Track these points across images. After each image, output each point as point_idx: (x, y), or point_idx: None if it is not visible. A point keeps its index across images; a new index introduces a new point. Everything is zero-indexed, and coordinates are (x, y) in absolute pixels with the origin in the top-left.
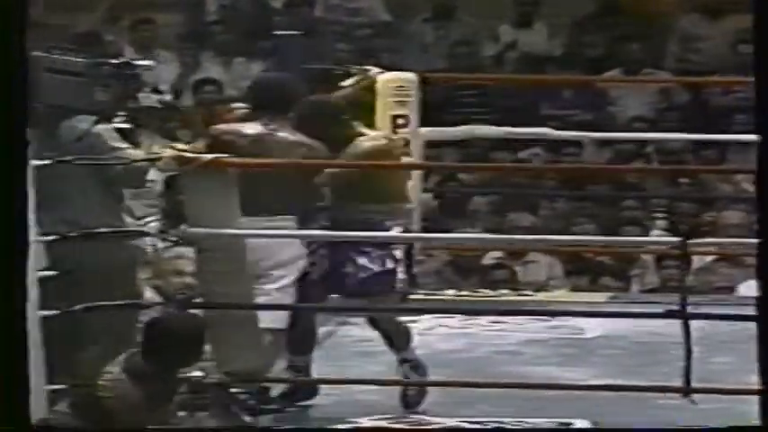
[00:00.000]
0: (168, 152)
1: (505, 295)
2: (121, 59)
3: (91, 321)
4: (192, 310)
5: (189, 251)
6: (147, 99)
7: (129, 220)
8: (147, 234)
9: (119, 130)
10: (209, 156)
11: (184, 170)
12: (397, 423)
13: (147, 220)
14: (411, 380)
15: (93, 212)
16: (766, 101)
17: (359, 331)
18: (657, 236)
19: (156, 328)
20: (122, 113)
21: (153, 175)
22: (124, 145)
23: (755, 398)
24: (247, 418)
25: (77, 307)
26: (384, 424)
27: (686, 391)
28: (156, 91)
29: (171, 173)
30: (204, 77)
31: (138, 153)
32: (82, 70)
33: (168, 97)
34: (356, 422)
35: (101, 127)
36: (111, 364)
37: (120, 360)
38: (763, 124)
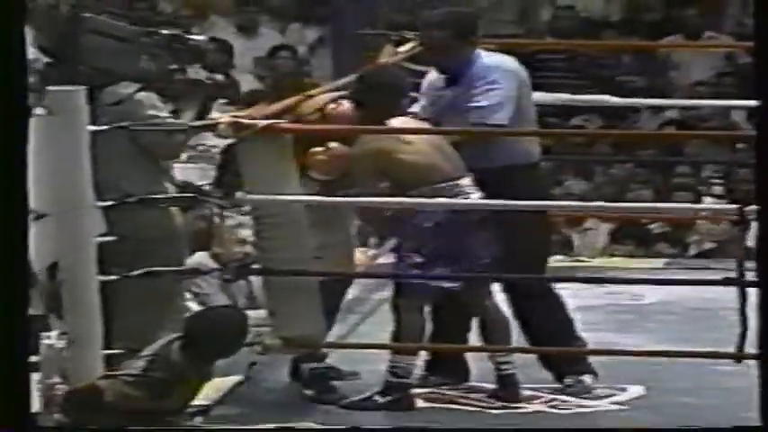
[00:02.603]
0: (225, 118)
1: (561, 261)
2: (173, 31)
3: (134, 289)
4: (251, 277)
5: (249, 220)
6: (197, 74)
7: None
8: (204, 200)
9: (163, 100)
10: (266, 121)
11: (241, 136)
12: (451, 390)
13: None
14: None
15: (132, 178)
16: (766, 66)
17: None
18: (710, 203)
19: (200, 322)
20: (169, 84)
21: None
22: (163, 114)
23: None
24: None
25: (134, 273)
26: (438, 392)
27: (741, 357)
28: (213, 69)
29: (228, 140)
30: (280, 44)
31: (178, 122)
32: (130, 36)
33: (220, 76)
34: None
35: (142, 94)
36: (136, 358)
37: (154, 348)
38: (764, 90)
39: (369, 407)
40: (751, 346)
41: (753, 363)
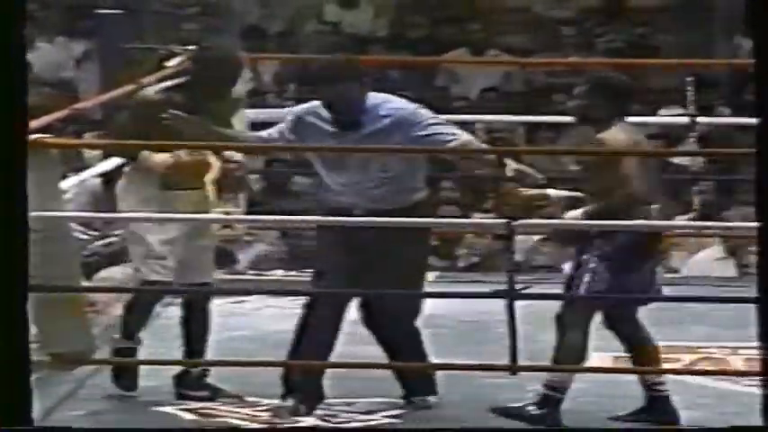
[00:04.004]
0: None
1: None
2: None
3: None
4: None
5: None
6: None
7: None
8: None
9: None
10: (32, 136)
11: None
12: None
13: None
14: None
15: None
16: (766, 83)
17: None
18: (479, 217)
19: None
20: None
21: None
22: None
23: (587, 376)
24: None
25: None
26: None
27: (513, 369)
28: None
29: None
30: None
31: None
32: None
33: None
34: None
35: None
36: None
37: None
38: (763, 107)
39: (522, 415)
40: (523, 358)
41: (527, 375)
